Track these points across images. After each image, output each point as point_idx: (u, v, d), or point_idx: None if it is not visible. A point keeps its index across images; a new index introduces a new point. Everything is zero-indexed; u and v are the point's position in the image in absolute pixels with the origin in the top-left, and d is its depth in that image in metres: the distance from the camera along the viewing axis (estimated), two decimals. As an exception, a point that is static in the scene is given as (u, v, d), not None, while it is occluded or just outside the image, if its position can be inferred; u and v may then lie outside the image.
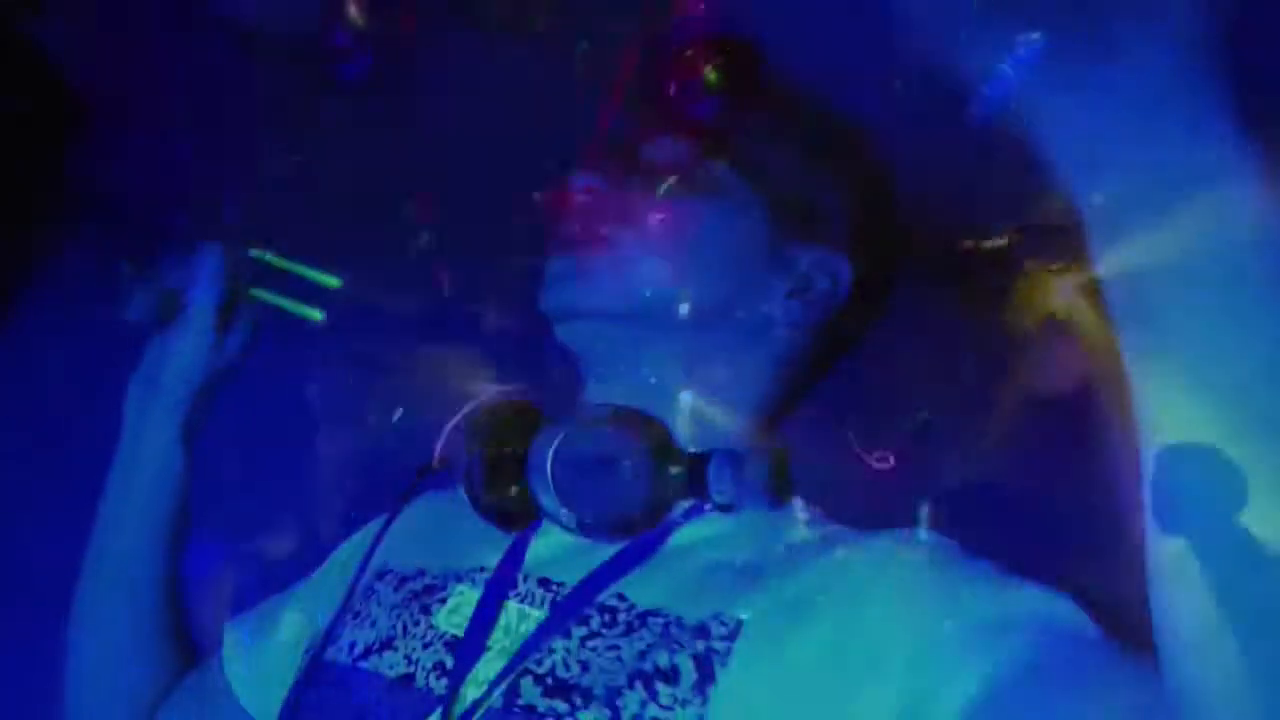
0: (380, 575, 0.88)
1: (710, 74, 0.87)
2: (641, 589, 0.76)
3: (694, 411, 0.83)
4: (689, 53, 0.86)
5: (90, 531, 1.00)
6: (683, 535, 0.80)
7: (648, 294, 0.83)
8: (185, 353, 0.96)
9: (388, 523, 0.88)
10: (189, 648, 0.99)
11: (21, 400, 2.02)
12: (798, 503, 0.84)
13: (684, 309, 0.83)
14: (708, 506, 0.80)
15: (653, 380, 0.84)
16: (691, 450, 0.79)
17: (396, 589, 0.85)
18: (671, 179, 0.85)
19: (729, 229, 0.85)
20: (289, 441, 2.14)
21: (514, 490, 0.80)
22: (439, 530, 0.90)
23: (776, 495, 0.82)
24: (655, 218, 0.84)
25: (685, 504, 0.80)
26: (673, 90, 0.89)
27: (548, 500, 0.77)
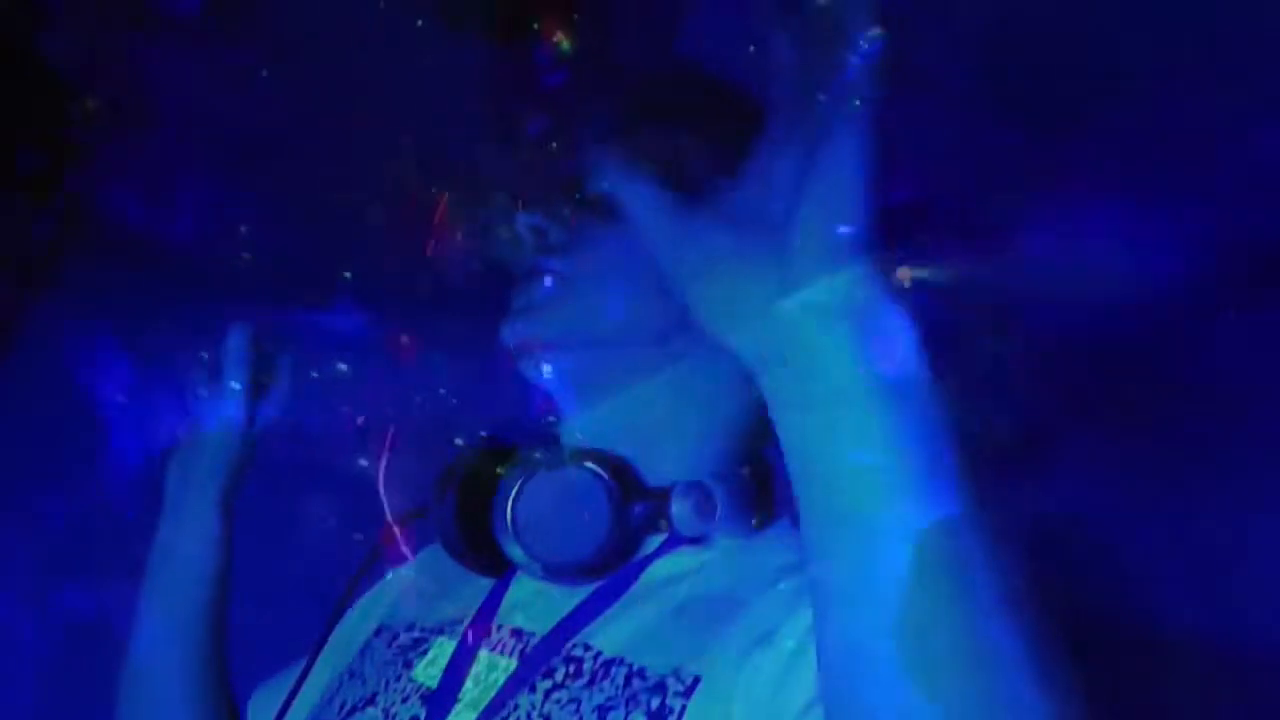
0: (378, 633, 0.89)
1: (561, 41, 0.85)
2: (608, 634, 0.75)
3: (662, 439, 0.82)
4: (538, 23, 0.84)
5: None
6: (655, 571, 0.78)
7: (602, 321, 0.81)
8: (220, 426, 1.01)
9: (357, 577, 0.89)
10: (235, 714, 1.04)
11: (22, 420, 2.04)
12: (781, 526, 0.82)
13: (640, 332, 0.81)
14: (678, 541, 0.78)
15: (619, 408, 0.83)
16: (655, 483, 0.78)
17: (388, 644, 0.86)
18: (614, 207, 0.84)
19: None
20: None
21: (484, 539, 0.80)
22: (434, 583, 0.91)
23: (753, 521, 0.80)
24: (602, 247, 0.82)
25: (656, 539, 0.79)
26: (526, 62, 0.87)
27: (513, 548, 0.77)
